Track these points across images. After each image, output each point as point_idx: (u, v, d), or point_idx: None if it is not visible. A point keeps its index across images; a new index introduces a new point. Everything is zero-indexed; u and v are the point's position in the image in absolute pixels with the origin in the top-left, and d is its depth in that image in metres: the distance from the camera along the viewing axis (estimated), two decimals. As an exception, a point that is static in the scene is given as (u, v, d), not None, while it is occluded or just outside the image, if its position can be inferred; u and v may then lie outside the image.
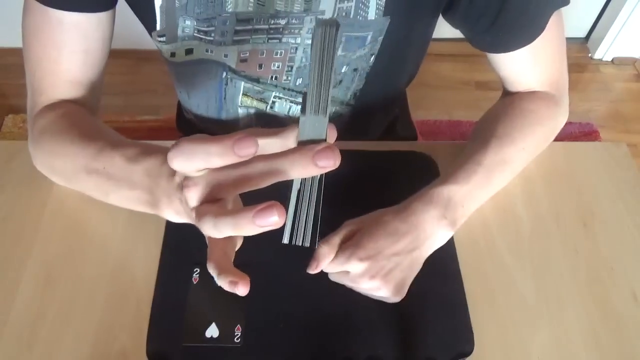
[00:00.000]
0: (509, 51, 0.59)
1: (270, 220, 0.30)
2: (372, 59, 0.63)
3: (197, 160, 0.32)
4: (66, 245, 0.58)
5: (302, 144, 0.32)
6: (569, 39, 2.20)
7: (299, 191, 0.32)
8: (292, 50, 0.61)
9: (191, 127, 0.83)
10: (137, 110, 1.69)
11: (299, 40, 0.60)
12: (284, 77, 0.65)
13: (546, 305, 0.55)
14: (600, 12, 1.90)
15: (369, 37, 0.60)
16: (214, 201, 0.35)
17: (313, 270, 0.50)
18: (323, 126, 0.31)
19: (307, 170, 0.31)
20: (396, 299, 0.51)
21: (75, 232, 0.59)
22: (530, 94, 0.63)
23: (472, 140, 0.62)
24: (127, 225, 0.60)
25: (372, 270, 0.49)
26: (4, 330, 0.52)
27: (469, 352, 0.52)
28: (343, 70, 0.64)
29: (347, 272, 0.50)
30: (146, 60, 1.84)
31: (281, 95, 0.67)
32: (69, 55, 0.56)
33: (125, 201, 0.47)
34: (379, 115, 0.78)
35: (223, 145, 0.30)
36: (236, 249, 0.39)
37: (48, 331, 0.52)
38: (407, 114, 0.89)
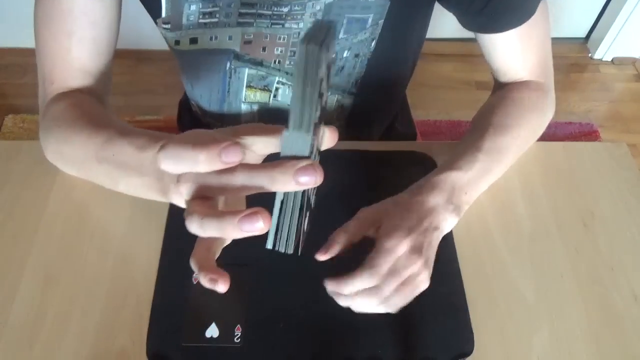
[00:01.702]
0: (501, 31, 0.60)
1: (255, 226, 0.31)
2: (373, 43, 0.64)
3: (184, 165, 0.33)
4: (66, 245, 0.58)
5: (285, 159, 0.32)
6: (569, 39, 2.20)
7: (282, 201, 0.33)
8: (294, 35, 0.62)
9: (193, 126, 0.83)
10: (137, 110, 1.69)
11: (301, 25, 0.61)
12: (287, 62, 0.65)
13: (546, 305, 0.55)
14: (600, 12, 1.90)
15: (370, 20, 0.60)
16: (205, 198, 0.35)
17: (322, 255, 0.49)
18: (306, 143, 0.32)
19: (287, 186, 0.31)
20: (426, 284, 0.50)
21: (75, 232, 0.59)
22: (521, 84, 0.65)
23: (470, 131, 0.63)
24: (127, 225, 0.60)
25: (415, 243, 0.49)
26: (4, 330, 0.52)
27: (469, 352, 0.52)
28: (345, 55, 0.64)
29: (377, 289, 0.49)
30: (146, 60, 1.84)
31: (284, 81, 0.68)
32: (79, 42, 0.57)
33: (134, 189, 0.47)
34: (380, 110, 0.78)
35: (210, 153, 0.32)
36: (224, 246, 0.39)
37: (48, 331, 0.52)
38: (408, 112, 0.90)
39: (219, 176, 0.34)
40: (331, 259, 0.57)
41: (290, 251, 0.33)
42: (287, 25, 0.61)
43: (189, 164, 0.33)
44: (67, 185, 0.63)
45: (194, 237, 0.59)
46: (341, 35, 0.62)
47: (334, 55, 0.36)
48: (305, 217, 0.35)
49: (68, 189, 0.62)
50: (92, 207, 0.61)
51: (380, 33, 0.62)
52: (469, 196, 0.55)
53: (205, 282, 0.34)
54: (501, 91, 0.66)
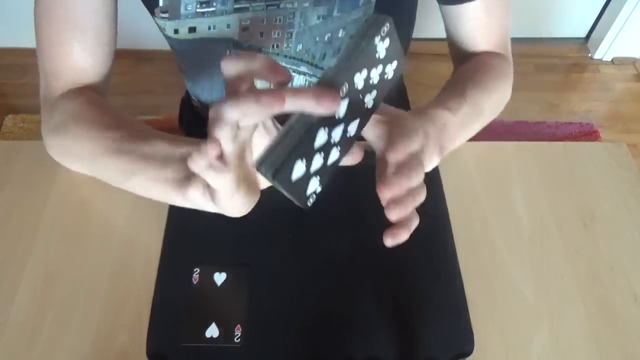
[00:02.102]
0: (469, 0, 0.61)
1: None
2: None
3: (242, 64, 0.36)
4: (66, 245, 0.58)
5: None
6: (569, 39, 2.20)
7: (290, 126, 0.34)
8: (290, 16, 0.63)
9: (195, 125, 0.83)
10: (137, 110, 1.69)
11: (295, 4, 0.62)
12: (285, 45, 0.66)
13: (546, 305, 0.55)
14: (600, 12, 1.90)
15: None
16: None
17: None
18: (340, 82, 0.35)
19: (306, 98, 0.33)
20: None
21: (75, 232, 0.59)
22: (493, 53, 0.66)
23: (450, 83, 0.63)
24: (127, 225, 0.60)
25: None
26: (4, 330, 0.52)
27: (469, 352, 0.52)
28: (340, 35, 0.66)
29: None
30: (146, 60, 1.84)
31: (284, 65, 0.68)
32: (83, 34, 0.57)
33: (149, 181, 0.48)
34: None
35: (267, 61, 0.35)
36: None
37: (48, 331, 0.52)
38: (408, 107, 0.90)
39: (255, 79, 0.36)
40: (333, 259, 0.57)
41: (269, 175, 0.33)
42: (282, 5, 0.62)
43: (246, 64, 0.35)
44: (67, 185, 0.63)
45: (194, 238, 0.59)
46: (335, 14, 0.63)
47: (394, 71, 0.41)
48: (302, 159, 0.35)
49: (68, 189, 0.62)
50: (92, 207, 0.61)
51: (373, 13, 0.64)
52: (452, 142, 0.54)
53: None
54: (475, 57, 0.66)
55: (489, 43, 0.66)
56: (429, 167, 0.51)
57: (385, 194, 0.43)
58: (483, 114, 0.60)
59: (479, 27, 0.65)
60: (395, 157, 0.46)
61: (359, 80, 0.37)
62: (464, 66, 0.66)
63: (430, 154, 0.50)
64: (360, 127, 0.41)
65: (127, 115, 0.57)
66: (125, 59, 1.82)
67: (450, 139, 0.53)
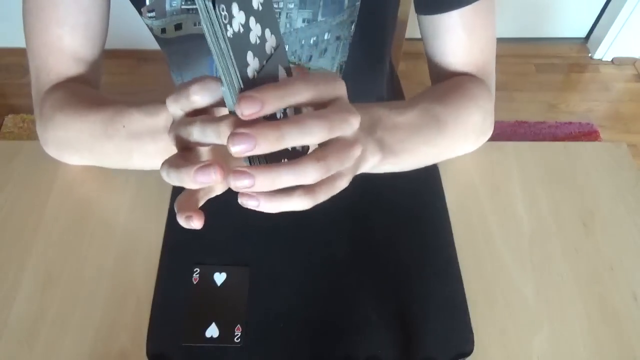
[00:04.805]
0: (450, 10, 0.57)
1: (210, 177, 0.32)
2: (352, 26, 0.65)
3: (182, 100, 0.35)
4: (66, 245, 0.58)
5: (229, 114, 0.34)
6: (569, 39, 2.20)
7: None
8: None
9: None
10: (137, 110, 1.69)
11: (281, 5, 0.61)
12: None
13: (546, 305, 0.55)
14: (600, 12, 1.90)
15: (346, 1, 0.62)
16: (187, 150, 0.37)
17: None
18: (228, 98, 0.33)
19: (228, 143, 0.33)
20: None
21: (75, 232, 0.59)
22: (464, 77, 0.61)
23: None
24: (127, 224, 0.60)
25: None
26: (4, 330, 0.52)
27: (469, 352, 0.52)
28: (326, 38, 0.66)
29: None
30: (146, 60, 1.84)
31: None
32: (71, 30, 0.58)
33: (152, 158, 0.48)
34: (369, 94, 0.79)
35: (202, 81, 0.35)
36: (210, 197, 0.40)
37: (48, 331, 0.52)
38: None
39: (181, 126, 0.36)
40: (333, 259, 0.57)
41: None
42: None
43: (183, 98, 0.35)
44: (67, 185, 0.63)
45: (194, 237, 0.59)
46: (320, 18, 0.63)
47: None
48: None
49: (68, 189, 0.62)
50: (92, 207, 0.61)
51: (359, 15, 0.63)
52: (401, 145, 0.50)
53: (182, 222, 0.35)
54: (448, 79, 0.62)
55: (468, 64, 0.61)
56: (367, 164, 0.47)
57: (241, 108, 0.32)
58: (442, 124, 0.55)
59: (457, 44, 0.60)
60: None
61: (245, 70, 0.32)
62: (432, 86, 0.62)
63: (364, 144, 0.46)
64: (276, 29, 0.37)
65: (110, 97, 0.57)
66: (126, 59, 1.82)
67: (399, 140, 0.50)
